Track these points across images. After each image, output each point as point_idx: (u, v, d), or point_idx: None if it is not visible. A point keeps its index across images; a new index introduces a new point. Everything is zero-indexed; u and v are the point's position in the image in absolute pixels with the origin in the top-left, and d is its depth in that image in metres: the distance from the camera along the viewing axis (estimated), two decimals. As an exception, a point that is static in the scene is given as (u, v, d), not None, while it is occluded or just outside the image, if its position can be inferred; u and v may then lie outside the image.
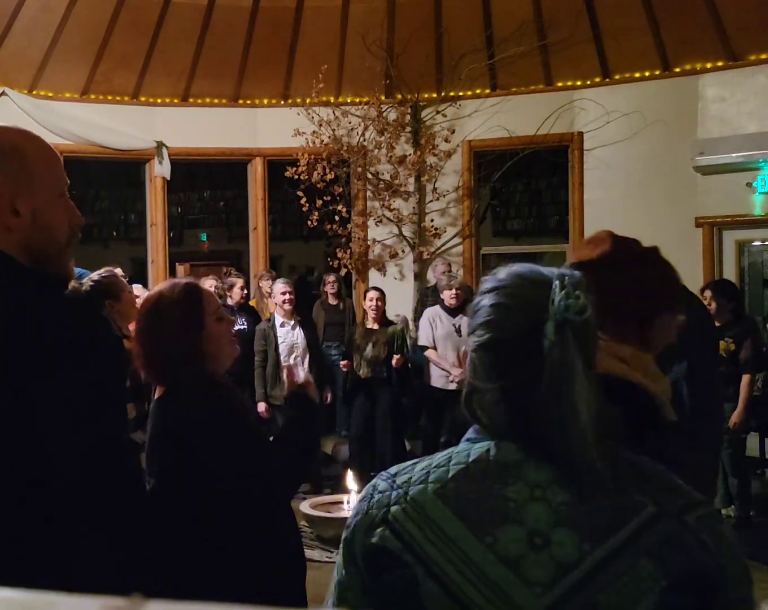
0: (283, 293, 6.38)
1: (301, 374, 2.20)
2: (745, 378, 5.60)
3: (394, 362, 6.46)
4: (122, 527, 1.25)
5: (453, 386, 6.66)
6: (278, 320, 6.49)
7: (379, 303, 6.63)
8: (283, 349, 6.41)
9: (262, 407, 6.26)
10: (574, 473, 1.03)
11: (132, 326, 4.93)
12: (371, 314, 6.65)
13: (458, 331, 6.73)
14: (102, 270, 3.47)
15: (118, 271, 3.65)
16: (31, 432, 1.16)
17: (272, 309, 7.81)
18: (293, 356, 6.39)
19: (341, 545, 1.15)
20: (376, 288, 6.94)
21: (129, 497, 1.28)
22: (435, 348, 6.74)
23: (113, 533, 1.22)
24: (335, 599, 1.13)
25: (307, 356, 6.48)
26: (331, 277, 8.06)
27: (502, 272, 1.14)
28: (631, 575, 0.99)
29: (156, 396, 2.07)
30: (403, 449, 6.83)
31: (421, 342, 6.91)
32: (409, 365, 6.81)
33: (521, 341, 1.07)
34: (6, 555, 1.14)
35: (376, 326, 6.65)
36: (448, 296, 6.76)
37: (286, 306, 6.40)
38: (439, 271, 7.97)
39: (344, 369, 6.63)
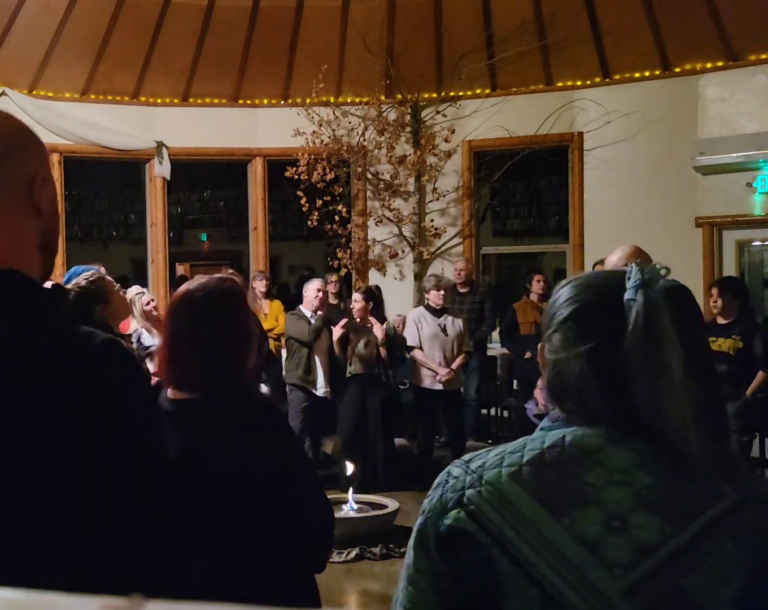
0: (318, 290, 6.88)
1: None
2: (761, 375, 5.57)
3: (374, 326, 6.60)
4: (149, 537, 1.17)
5: (439, 386, 6.68)
6: (307, 313, 6.85)
7: (357, 304, 6.70)
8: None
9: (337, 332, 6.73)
10: (663, 448, 1.04)
11: (125, 326, 4.87)
12: (355, 314, 6.75)
13: (444, 330, 6.75)
14: (88, 273, 3.43)
15: (102, 270, 3.63)
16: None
17: (266, 310, 7.85)
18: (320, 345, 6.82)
19: (414, 531, 1.15)
20: (361, 289, 7.04)
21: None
22: (421, 348, 6.76)
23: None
24: (405, 583, 1.14)
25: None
26: (334, 277, 8.11)
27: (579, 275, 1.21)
28: (716, 558, 0.99)
29: (173, 396, 1.92)
30: (393, 447, 6.86)
31: (407, 342, 6.92)
32: (392, 359, 6.86)
33: (604, 306, 1.10)
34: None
35: (368, 324, 6.71)
36: (435, 297, 6.77)
37: (316, 302, 6.83)
38: (459, 268, 7.88)
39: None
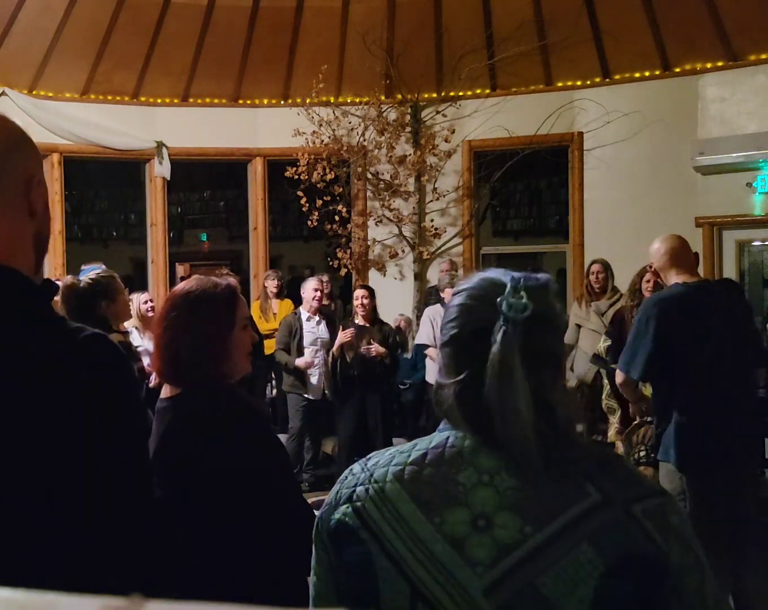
0: (316, 290, 6.74)
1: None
2: None
3: (373, 350, 6.41)
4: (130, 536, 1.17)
5: None
6: (304, 314, 6.78)
7: (365, 301, 6.61)
8: (306, 342, 6.72)
9: (301, 362, 6.62)
10: (518, 462, 1.07)
11: (128, 324, 4.89)
12: (359, 312, 6.67)
13: None
14: (102, 270, 3.48)
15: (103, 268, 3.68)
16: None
17: (275, 310, 7.82)
18: (314, 348, 6.72)
19: (315, 524, 1.20)
20: (364, 286, 6.97)
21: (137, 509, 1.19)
22: (435, 346, 6.77)
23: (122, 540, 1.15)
24: (312, 574, 1.20)
25: (325, 351, 6.78)
26: (324, 277, 8.03)
27: (476, 276, 1.19)
28: (571, 559, 1.02)
29: (164, 395, 2.00)
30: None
31: (421, 340, 6.93)
32: (395, 362, 6.81)
33: (474, 339, 1.11)
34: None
35: (367, 324, 6.67)
36: (449, 295, 6.79)
37: (314, 303, 6.72)
38: (444, 269, 7.93)
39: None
